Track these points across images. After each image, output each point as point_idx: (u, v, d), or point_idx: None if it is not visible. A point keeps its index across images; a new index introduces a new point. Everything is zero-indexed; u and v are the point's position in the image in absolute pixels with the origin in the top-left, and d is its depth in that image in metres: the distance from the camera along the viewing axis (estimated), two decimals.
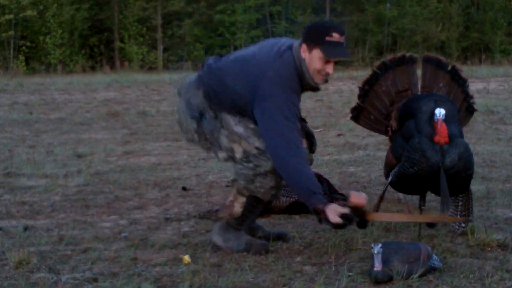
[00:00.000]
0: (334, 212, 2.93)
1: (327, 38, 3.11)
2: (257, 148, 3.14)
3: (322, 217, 2.98)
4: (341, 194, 2.97)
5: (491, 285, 2.72)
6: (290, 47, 3.20)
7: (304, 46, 3.14)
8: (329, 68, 3.15)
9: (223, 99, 3.21)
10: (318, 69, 3.14)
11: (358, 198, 2.96)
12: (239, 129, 3.18)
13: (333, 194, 3.00)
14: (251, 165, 3.15)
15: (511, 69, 19.33)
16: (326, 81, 3.22)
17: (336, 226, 2.97)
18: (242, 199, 3.23)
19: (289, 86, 3.12)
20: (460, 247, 3.24)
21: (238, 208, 3.24)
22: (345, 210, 2.95)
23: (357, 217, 2.97)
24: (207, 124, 3.24)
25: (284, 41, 3.28)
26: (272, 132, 3.05)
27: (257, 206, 3.27)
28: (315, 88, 3.24)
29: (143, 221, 3.90)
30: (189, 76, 3.42)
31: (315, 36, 3.14)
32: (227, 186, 4.55)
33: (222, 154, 3.24)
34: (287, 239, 3.42)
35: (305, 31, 3.21)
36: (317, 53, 3.11)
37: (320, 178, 4.10)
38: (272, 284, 2.77)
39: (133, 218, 3.97)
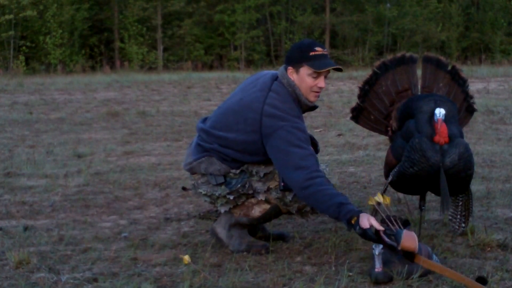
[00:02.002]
0: (366, 219, 2.86)
1: (311, 53, 3.11)
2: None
3: (356, 224, 2.88)
4: (394, 235, 2.83)
5: (491, 285, 2.72)
6: (274, 78, 3.19)
7: (290, 69, 3.15)
8: (320, 83, 3.15)
9: (238, 153, 3.19)
10: (310, 86, 3.14)
11: (409, 241, 2.79)
12: (269, 168, 3.18)
13: (386, 231, 2.87)
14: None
15: (511, 69, 19.34)
16: (317, 97, 3.22)
17: (365, 234, 2.85)
18: (266, 206, 3.24)
19: (288, 113, 3.10)
20: (460, 247, 3.24)
21: (257, 212, 3.26)
22: (376, 223, 2.86)
23: (406, 258, 2.82)
24: (235, 182, 3.21)
25: (264, 73, 3.30)
26: (287, 166, 3.03)
27: (275, 216, 3.30)
28: (313, 108, 3.24)
29: (143, 221, 3.90)
30: (188, 152, 3.36)
31: (299, 55, 3.14)
32: None
33: (261, 196, 3.22)
34: (287, 239, 3.43)
35: (288, 55, 3.21)
36: (305, 70, 3.12)
37: None
38: (272, 284, 2.77)
39: (133, 218, 3.97)
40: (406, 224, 2.93)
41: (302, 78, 3.13)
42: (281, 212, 3.26)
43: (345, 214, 2.89)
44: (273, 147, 3.06)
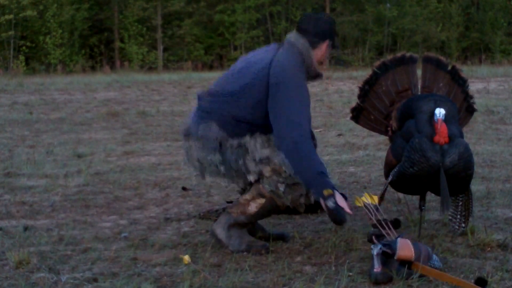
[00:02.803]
0: (341, 198, 2.94)
1: (335, 29, 3.30)
2: (287, 169, 3.13)
3: (325, 203, 2.95)
4: (389, 245, 2.83)
5: (491, 285, 2.72)
6: (280, 44, 3.29)
7: (326, 42, 3.26)
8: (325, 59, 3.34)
9: (240, 117, 3.19)
10: (323, 58, 3.29)
11: (405, 250, 2.78)
12: (265, 151, 3.17)
13: (382, 242, 2.87)
14: (281, 179, 3.16)
15: (511, 69, 19.33)
16: None
17: (336, 212, 2.94)
18: (261, 201, 3.22)
19: (298, 70, 3.16)
20: (460, 247, 3.24)
21: (253, 208, 3.23)
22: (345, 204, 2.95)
23: (403, 266, 2.80)
24: (229, 153, 3.20)
25: (273, 44, 3.39)
26: (285, 117, 3.07)
27: (273, 211, 3.28)
28: (317, 76, 3.29)
29: (143, 221, 3.90)
30: (191, 116, 3.38)
31: (328, 29, 3.28)
32: (227, 186, 4.53)
33: (251, 177, 3.20)
34: (287, 239, 3.43)
35: (320, 29, 3.26)
36: (325, 44, 3.25)
37: None
38: (272, 284, 2.77)
39: (133, 218, 3.97)
40: (396, 225, 2.93)
41: (322, 50, 3.27)
42: (278, 206, 3.23)
43: (322, 183, 2.97)
44: (277, 97, 3.10)
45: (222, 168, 3.23)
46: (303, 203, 3.21)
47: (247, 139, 3.19)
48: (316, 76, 3.28)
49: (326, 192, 2.95)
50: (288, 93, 3.10)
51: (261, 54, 3.27)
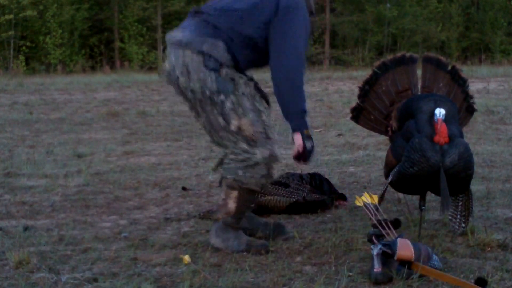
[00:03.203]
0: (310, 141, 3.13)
1: None
2: (254, 132, 3.10)
3: (304, 141, 3.14)
4: (389, 245, 2.83)
5: (491, 285, 2.72)
6: None
7: None
8: None
9: (249, 35, 3.14)
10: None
11: (405, 250, 2.78)
12: (247, 103, 3.13)
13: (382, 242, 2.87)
14: (240, 157, 3.12)
15: (511, 69, 19.34)
16: None
17: (310, 153, 3.14)
18: (234, 194, 3.19)
19: (303, 6, 3.19)
20: (460, 247, 3.24)
21: (232, 204, 3.22)
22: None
23: (403, 266, 2.80)
24: (221, 81, 3.11)
25: None
26: (289, 43, 3.08)
27: (250, 198, 3.26)
28: (312, 14, 3.32)
29: (143, 221, 3.90)
30: (187, 27, 3.23)
31: None
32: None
33: (220, 118, 3.12)
34: (287, 236, 3.42)
35: None
36: None
37: (320, 178, 4.11)
38: (272, 284, 2.77)
39: (133, 218, 3.97)
40: (396, 225, 2.93)
41: None
42: (253, 192, 3.22)
43: (304, 122, 3.12)
44: (284, 21, 3.10)
45: (200, 95, 3.14)
46: (265, 183, 3.21)
47: (241, 81, 3.14)
48: (310, 13, 3.29)
49: (306, 132, 3.12)
50: (296, 18, 3.10)
51: None
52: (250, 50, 3.18)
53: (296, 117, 3.11)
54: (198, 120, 3.29)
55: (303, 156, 3.16)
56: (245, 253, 3.19)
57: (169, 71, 3.24)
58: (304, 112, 3.11)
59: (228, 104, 3.11)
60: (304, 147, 3.12)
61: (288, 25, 3.10)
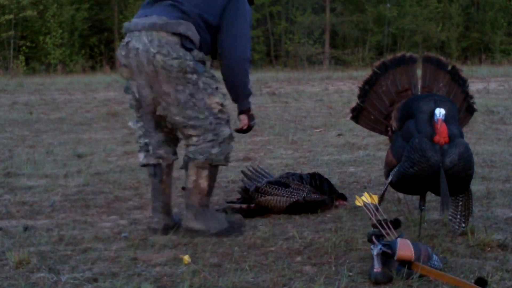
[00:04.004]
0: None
1: None
2: (221, 110, 3.37)
3: (249, 121, 3.59)
4: (389, 245, 2.83)
5: (491, 285, 2.72)
6: None
7: None
8: None
9: (211, 21, 3.37)
10: None
11: (405, 250, 2.78)
12: (214, 84, 3.38)
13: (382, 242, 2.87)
14: (208, 137, 3.33)
15: (511, 69, 19.34)
16: None
17: (247, 130, 3.60)
18: (205, 172, 3.40)
19: None
20: (460, 247, 3.24)
21: (204, 182, 3.41)
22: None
23: (403, 266, 2.80)
24: (195, 61, 3.32)
25: None
26: (240, 31, 3.38)
27: (217, 173, 3.49)
28: (252, 1, 3.56)
29: (143, 221, 3.90)
30: (156, 10, 3.39)
31: None
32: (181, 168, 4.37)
33: (191, 98, 3.32)
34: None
35: None
36: None
37: (320, 178, 4.11)
38: (272, 284, 2.77)
39: (133, 218, 3.97)
40: (396, 225, 2.93)
41: None
42: (217, 167, 3.45)
43: (249, 103, 3.53)
44: (236, 13, 3.37)
45: (185, 69, 3.30)
46: (229, 158, 3.48)
47: (208, 63, 3.40)
48: (250, 2, 3.53)
49: (251, 113, 3.59)
50: (243, 7, 3.39)
51: None
52: (209, 36, 3.41)
53: (244, 99, 3.51)
54: (153, 103, 3.45)
55: (246, 131, 3.64)
56: (244, 253, 3.19)
57: (141, 51, 3.31)
58: (250, 95, 3.51)
59: (200, 84, 3.33)
60: (249, 125, 3.60)
61: (240, 11, 3.36)
